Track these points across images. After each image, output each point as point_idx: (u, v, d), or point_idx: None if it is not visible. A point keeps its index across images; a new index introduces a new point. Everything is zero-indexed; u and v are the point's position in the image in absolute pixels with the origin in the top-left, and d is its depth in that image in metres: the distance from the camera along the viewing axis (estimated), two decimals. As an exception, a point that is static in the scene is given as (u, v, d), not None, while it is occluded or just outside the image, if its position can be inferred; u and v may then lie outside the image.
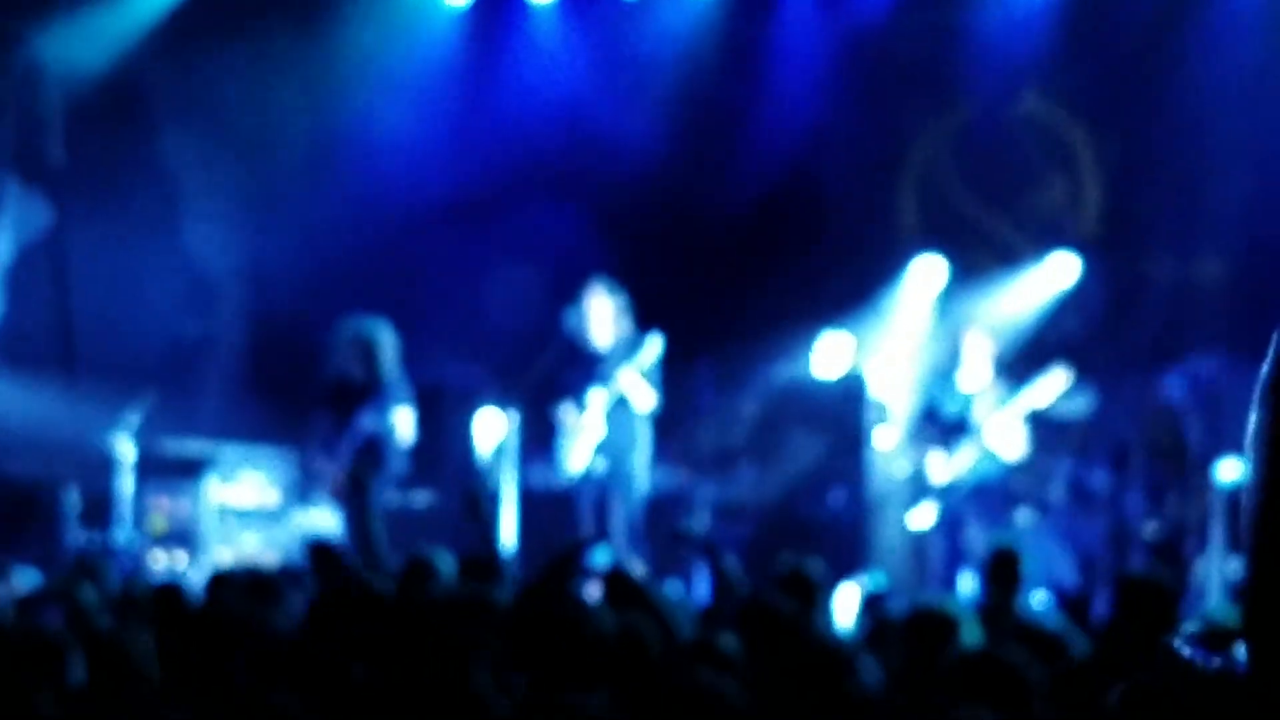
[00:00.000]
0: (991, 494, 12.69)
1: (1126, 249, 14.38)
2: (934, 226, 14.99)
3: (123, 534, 12.59)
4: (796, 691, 5.76)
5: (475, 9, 15.13)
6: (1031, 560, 9.07)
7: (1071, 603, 12.04)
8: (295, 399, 13.92)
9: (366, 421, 12.17)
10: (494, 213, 14.79)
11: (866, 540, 12.89)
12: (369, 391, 12.34)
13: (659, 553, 12.53)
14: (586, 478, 12.62)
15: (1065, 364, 12.64)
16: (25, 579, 10.20)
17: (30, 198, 14.04)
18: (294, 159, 14.90)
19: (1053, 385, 12.57)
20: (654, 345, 12.42)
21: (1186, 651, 3.12)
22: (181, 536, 12.95)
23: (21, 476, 13.08)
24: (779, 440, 13.34)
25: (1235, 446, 11.61)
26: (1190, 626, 3.54)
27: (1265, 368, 2.72)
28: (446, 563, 8.48)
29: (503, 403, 12.92)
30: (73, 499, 12.87)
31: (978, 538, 12.20)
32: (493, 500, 12.30)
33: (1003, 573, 8.81)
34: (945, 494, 12.66)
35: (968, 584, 11.85)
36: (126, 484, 12.68)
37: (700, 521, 13.00)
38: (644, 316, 12.64)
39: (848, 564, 11.61)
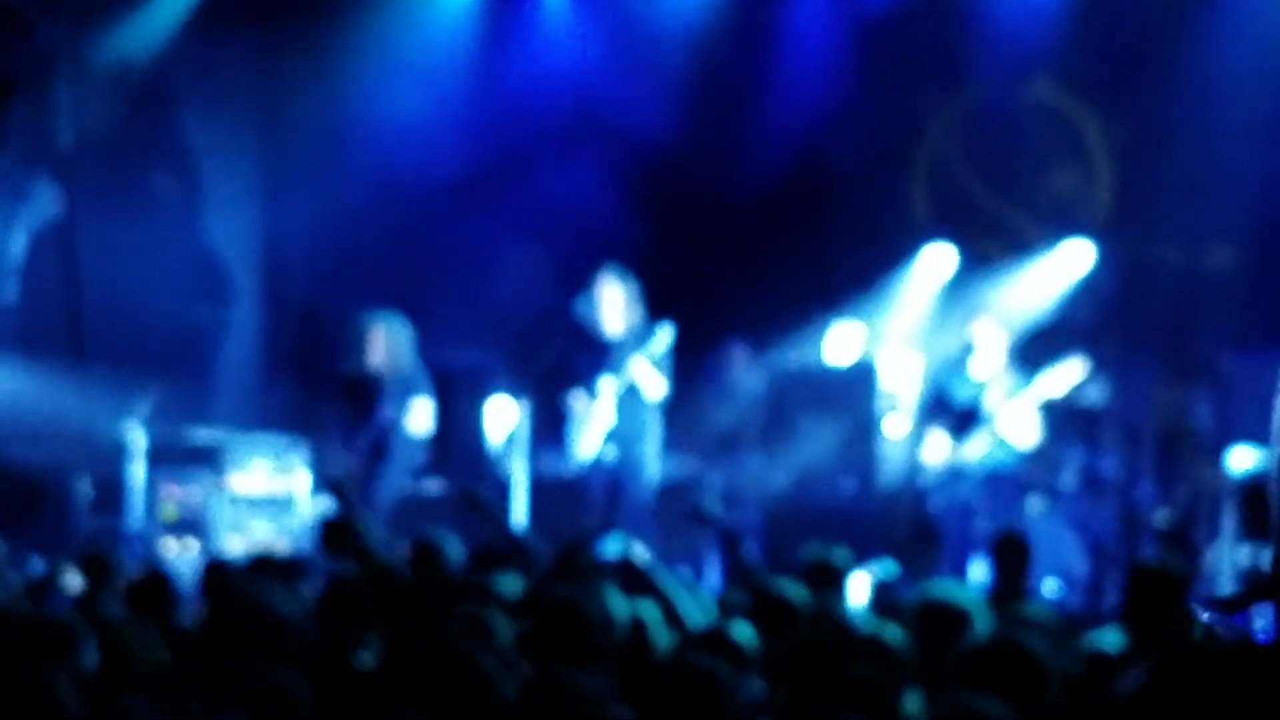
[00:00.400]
0: (1003, 482, 12.68)
1: (1137, 235, 14.35)
2: (944, 212, 14.97)
3: (134, 521, 12.60)
4: (811, 680, 5.75)
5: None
6: (1042, 548, 9.08)
7: (1083, 589, 12.05)
8: (308, 386, 13.95)
9: (384, 414, 12.26)
10: (507, 198, 14.79)
11: (877, 528, 12.86)
12: (385, 384, 12.45)
13: (669, 540, 12.53)
14: (597, 465, 12.63)
15: (1079, 352, 12.62)
16: (37, 566, 10.21)
17: (41, 184, 14.04)
18: (308, 145, 14.90)
19: (1068, 374, 12.55)
20: (665, 334, 12.42)
21: (1204, 616, 3.12)
22: (192, 524, 12.95)
23: (33, 464, 13.07)
24: (789, 427, 13.32)
25: (1246, 434, 11.61)
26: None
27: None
28: (454, 547, 8.50)
29: (514, 390, 12.94)
30: (84, 487, 12.88)
31: (989, 525, 12.18)
32: (495, 491, 12.34)
33: (1011, 558, 8.81)
34: (955, 481, 12.65)
35: (979, 572, 11.84)
36: (138, 471, 12.69)
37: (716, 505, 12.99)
38: (654, 303, 12.64)
39: (858, 552, 11.58)
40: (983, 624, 6.63)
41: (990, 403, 12.63)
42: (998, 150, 14.88)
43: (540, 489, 12.77)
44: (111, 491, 12.76)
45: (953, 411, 12.75)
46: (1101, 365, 13.01)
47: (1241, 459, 11.78)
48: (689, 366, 13.17)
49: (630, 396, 12.50)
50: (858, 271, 14.27)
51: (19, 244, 13.99)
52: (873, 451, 13.00)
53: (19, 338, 13.83)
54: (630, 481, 12.53)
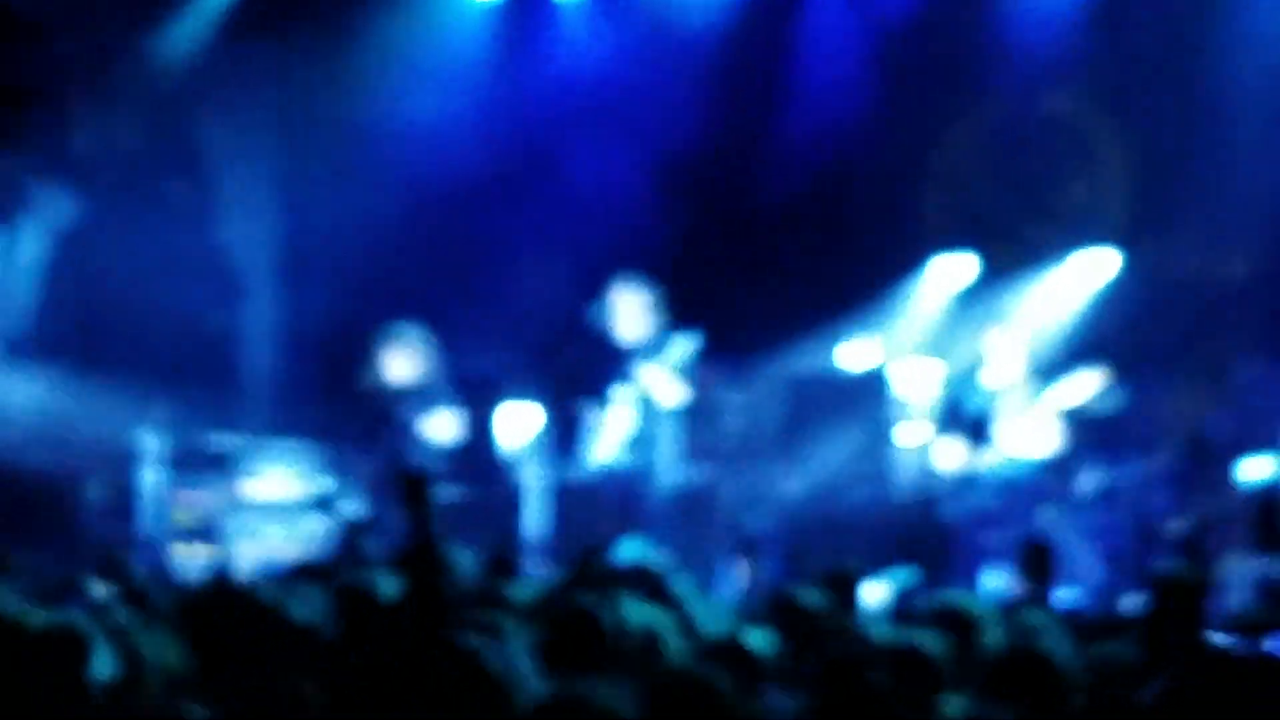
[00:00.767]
0: (1018, 490, 12.66)
1: (1155, 246, 14.33)
2: (960, 223, 14.95)
3: (146, 528, 12.60)
4: (839, 690, 5.72)
5: (506, 4, 15.16)
6: (1057, 557, 9.06)
7: (1098, 598, 12.02)
8: (327, 392, 13.96)
9: (403, 425, 12.35)
10: (528, 204, 14.82)
11: (891, 536, 12.84)
12: (409, 395, 12.53)
13: (686, 547, 12.51)
14: (614, 472, 12.63)
15: (1099, 363, 12.60)
16: (51, 572, 10.20)
17: (58, 192, 14.05)
18: (328, 151, 14.92)
19: (1087, 384, 12.52)
20: (683, 342, 12.42)
21: (1221, 640, 3.11)
22: (206, 531, 12.95)
23: (45, 470, 13.09)
24: (804, 436, 13.30)
25: (1262, 444, 11.60)
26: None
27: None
28: (465, 555, 8.47)
29: (534, 396, 12.96)
30: (96, 493, 12.88)
31: (1002, 534, 12.16)
32: (510, 498, 12.38)
33: (1037, 564, 8.80)
34: (970, 489, 12.64)
35: (993, 581, 11.82)
36: (151, 478, 12.69)
37: (757, 521, 12.95)
38: (670, 311, 12.65)
39: (875, 560, 11.56)
40: (995, 634, 6.62)
41: (1005, 411, 12.62)
42: (1014, 161, 14.87)
43: (557, 496, 12.78)
44: (124, 498, 12.77)
45: (967, 420, 12.73)
46: (1118, 375, 12.99)
47: (1256, 469, 11.76)
48: (705, 376, 13.16)
49: (648, 403, 12.51)
50: (874, 279, 14.27)
51: (35, 251, 14.01)
52: (887, 459, 12.99)
53: (34, 344, 13.85)
54: (647, 488, 12.53)
